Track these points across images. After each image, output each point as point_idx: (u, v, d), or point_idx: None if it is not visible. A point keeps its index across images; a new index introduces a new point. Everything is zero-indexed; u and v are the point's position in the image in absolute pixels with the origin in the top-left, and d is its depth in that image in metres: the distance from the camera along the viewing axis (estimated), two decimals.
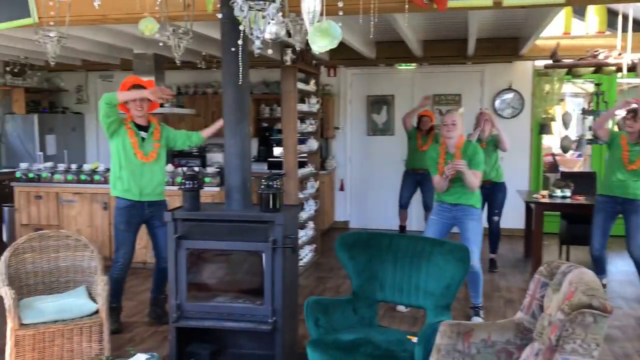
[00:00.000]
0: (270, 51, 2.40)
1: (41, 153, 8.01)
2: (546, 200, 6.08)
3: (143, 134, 4.48)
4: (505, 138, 5.87)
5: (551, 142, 8.62)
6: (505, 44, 7.30)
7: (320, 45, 1.81)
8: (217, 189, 6.01)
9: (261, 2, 1.57)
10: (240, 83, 3.13)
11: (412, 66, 8.16)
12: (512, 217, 7.54)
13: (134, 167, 4.43)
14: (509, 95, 8.09)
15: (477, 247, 4.52)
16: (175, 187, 5.83)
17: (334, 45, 1.81)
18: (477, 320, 4.64)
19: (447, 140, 4.59)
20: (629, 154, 5.08)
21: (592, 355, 1.99)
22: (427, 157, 4.77)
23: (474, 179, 4.45)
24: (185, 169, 6.38)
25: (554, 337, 2.04)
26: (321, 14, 1.87)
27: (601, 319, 1.99)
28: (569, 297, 2.12)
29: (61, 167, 6.50)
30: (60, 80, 9.32)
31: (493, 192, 6.11)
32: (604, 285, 5.60)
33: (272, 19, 1.64)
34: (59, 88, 9.32)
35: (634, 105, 4.83)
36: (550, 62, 6.28)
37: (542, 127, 7.16)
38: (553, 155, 9.40)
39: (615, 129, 5.89)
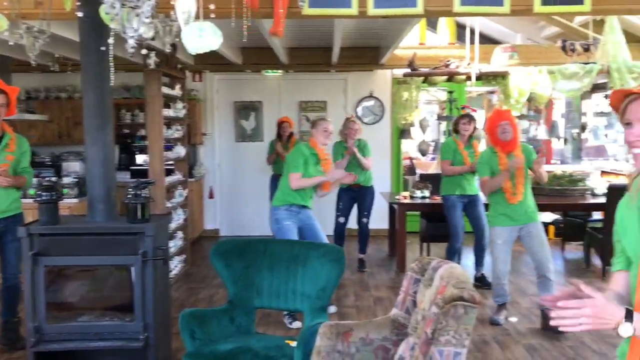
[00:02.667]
0: (144, 51, 2.29)
1: None
2: (408, 201, 6.42)
3: None
4: (365, 161, 6.13)
5: (409, 146, 9.13)
6: (366, 53, 7.62)
7: (198, 46, 1.75)
8: (76, 200, 5.61)
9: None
10: (110, 84, 2.95)
11: (279, 73, 8.24)
12: (377, 218, 7.86)
13: None
14: (371, 103, 8.44)
15: None
16: (29, 200, 5.37)
17: (214, 47, 1.76)
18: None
19: (324, 146, 4.84)
20: (469, 158, 5.72)
21: (463, 345, 2.12)
22: (301, 154, 4.77)
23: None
24: (39, 179, 5.90)
25: (430, 331, 2.14)
26: (197, 16, 1.81)
27: (471, 310, 2.12)
28: (441, 292, 2.24)
29: None
30: None
31: (362, 195, 6.33)
32: None
33: (147, 18, 1.55)
34: None
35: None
36: (408, 70, 6.65)
37: (402, 133, 7.55)
38: (411, 158, 9.97)
39: (442, 139, 6.39)
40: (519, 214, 4.59)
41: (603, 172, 7.84)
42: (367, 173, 6.28)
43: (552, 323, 1.38)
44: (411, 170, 9.96)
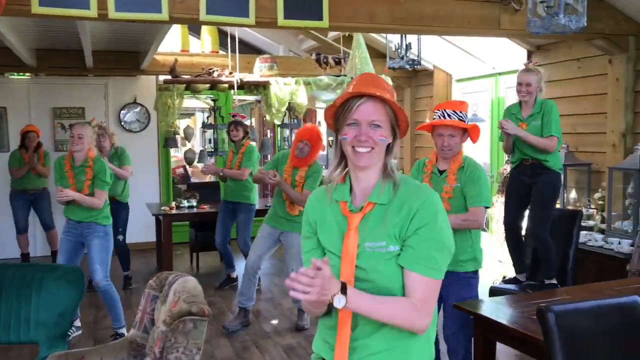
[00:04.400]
0: None
1: None
2: (174, 211, 6.25)
3: None
4: (120, 171, 5.73)
5: (182, 154, 8.95)
6: (126, 58, 7.26)
7: None
8: None
9: None
10: None
11: (26, 76, 7.43)
12: (143, 231, 7.54)
13: None
14: (136, 109, 8.07)
15: (102, 265, 4.32)
16: None
17: None
18: None
19: (75, 154, 4.30)
20: (231, 164, 5.85)
21: None
22: (55, 167, 4.35)
23: (89, 200, 4.26)
24: None
25: (158, 350, 2.05)
26: None
27: (201, 324, 2.08)
28: (173, 307, 2.17)
29: None
30: None
31: (116, 210, 5.85)
32: (235, 278, 6.08)
33: None
34: None
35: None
36: (169, 77, 6.49)
37: (167, 141, 7.34)
38: (184, 167, 9.78)
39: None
40: (282, 219, 4.71)
41: None
42: (127, 188, 5.94)
43: (290, 294, 1.42)
44: (185, 178, 9.78)
